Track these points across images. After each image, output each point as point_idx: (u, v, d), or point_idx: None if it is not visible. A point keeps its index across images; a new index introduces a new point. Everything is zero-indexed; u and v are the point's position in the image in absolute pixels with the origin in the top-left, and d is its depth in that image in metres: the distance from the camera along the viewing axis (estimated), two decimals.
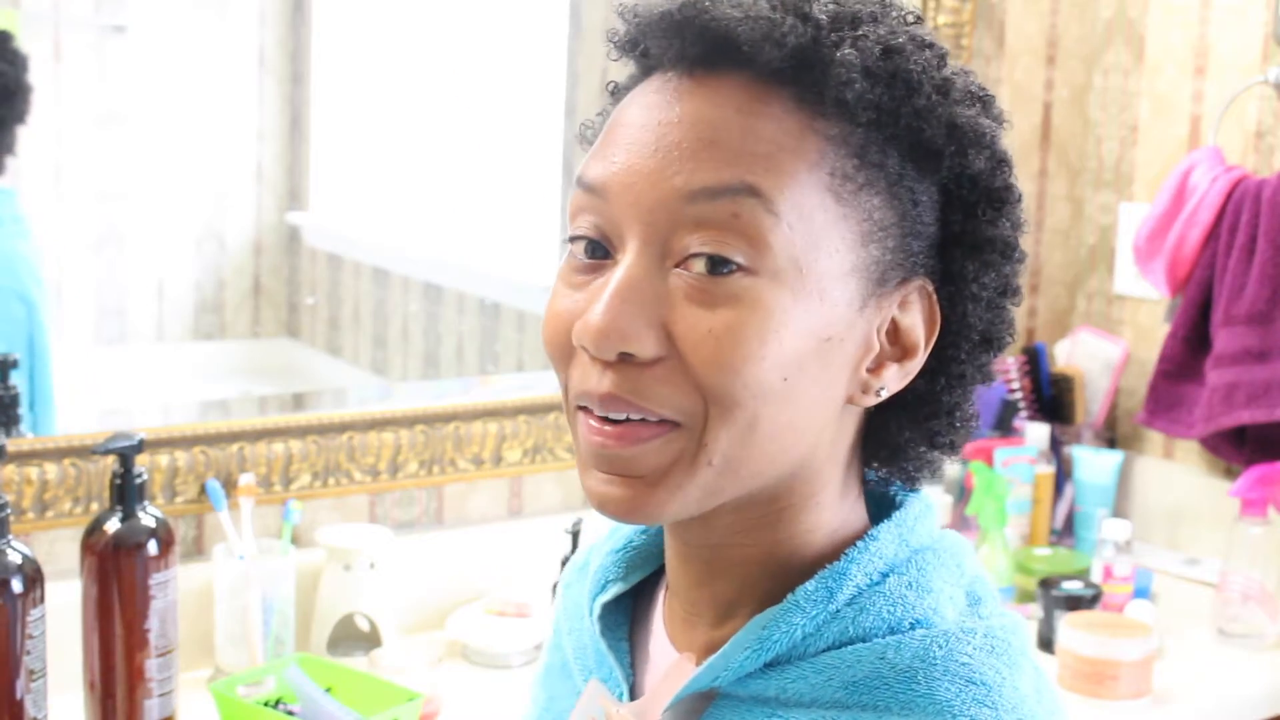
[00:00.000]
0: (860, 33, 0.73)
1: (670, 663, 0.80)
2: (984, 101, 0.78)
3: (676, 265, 0.72)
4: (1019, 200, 0.78)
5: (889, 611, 0.74)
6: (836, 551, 0.77)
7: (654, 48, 0.76)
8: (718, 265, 0.71)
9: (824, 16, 0.74)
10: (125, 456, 1.41)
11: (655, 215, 0.72)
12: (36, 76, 1.74)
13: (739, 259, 0.70)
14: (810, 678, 0.74)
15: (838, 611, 0.74)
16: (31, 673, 1.30)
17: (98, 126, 1.82)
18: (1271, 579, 1.91)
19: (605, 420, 0.72)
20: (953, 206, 0.76)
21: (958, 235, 0.76)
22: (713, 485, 0.73)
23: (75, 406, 1.77)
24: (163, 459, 1.66)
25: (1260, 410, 2.00)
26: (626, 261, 0.72)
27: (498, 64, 2.15)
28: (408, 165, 2.13)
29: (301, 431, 1.76)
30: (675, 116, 0.73)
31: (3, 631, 1.28)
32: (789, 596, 0.75)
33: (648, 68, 0.77)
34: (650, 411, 0.72)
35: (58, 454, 1.61)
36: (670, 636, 0.82)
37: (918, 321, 0.76)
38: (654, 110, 0.74)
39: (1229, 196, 2.07)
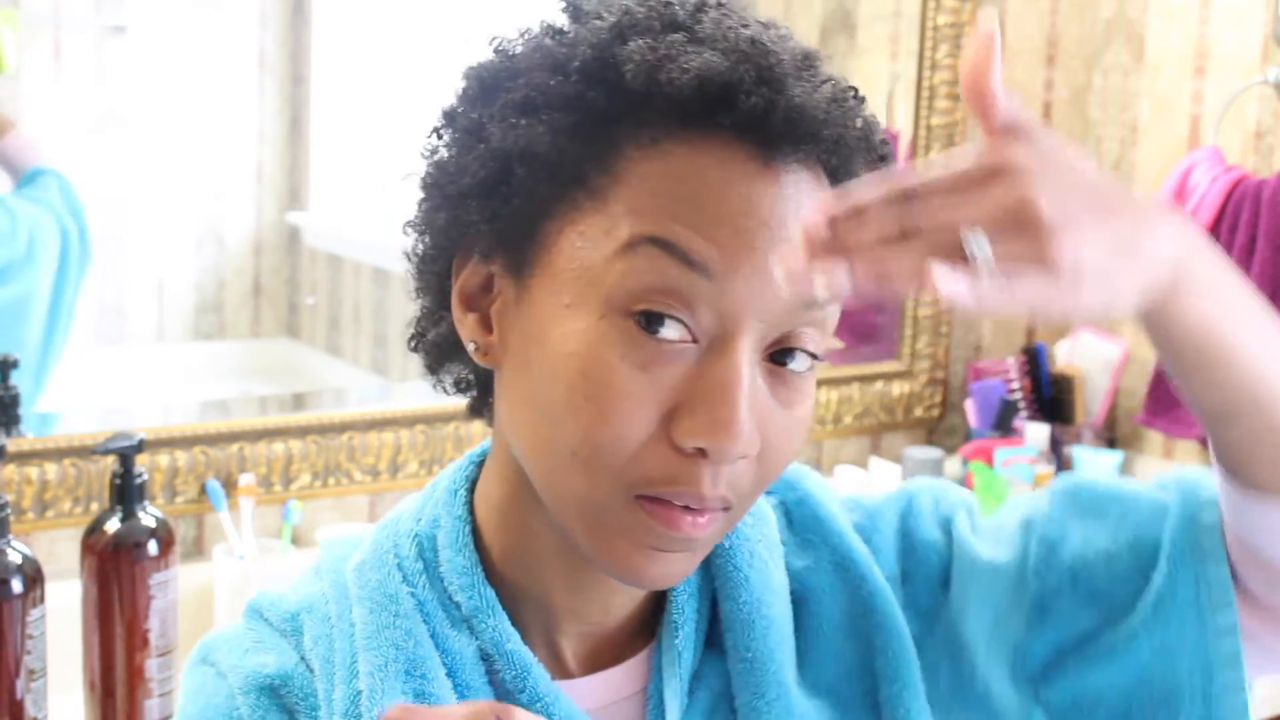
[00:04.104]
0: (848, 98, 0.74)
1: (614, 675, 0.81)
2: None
3: (764, 358, 0.72)
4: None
5: None
6: None
7: (735, 118, 0.69)
8: (808, 361, 0.73)
9: (827, 84, 0.73)
10: (125, 456, 1.41)
11: (774, 315, 0.70)
12: (36, 76, 1.74)
13: (819, 351, 0.73)
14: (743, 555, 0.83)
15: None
16: (31, 673, 1.30)
17: (98, 126, 1.82)
18: None
19: (687, 509, 0.71)
20: None
21: None
22: None
23: (75, 406, 1.77)
24: (163, 459, 1.66)
25: None
26: (740, 360, 0.69)
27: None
28: (408, 165, 2.13)
29: (301, 431, 1.76)
30: (793, 215, 0.70)
31: (3, 631, 1.28)
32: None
33: (694, 123, 0.70)
34: (733, 499, 0.72)
35: (58, 454, 1.61)
36: (575, 661, 0.81)
37: None
38: (768, 199, 0.70)
39: (1229, 196, 2.07)
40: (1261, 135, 2.14)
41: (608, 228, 0.70)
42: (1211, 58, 2.20)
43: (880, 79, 2.30)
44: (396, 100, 2.14)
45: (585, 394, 0.69)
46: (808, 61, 0.73)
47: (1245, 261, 2.04)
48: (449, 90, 0.80)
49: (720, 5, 0.74)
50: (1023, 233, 0.59)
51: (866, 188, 0.61)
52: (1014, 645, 0.82)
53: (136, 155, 1.86)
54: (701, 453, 0.69)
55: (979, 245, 0.60)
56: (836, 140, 0.72)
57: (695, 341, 0.70)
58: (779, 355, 0.72)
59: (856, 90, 0.75)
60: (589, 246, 0.70)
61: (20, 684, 1.30)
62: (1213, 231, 2.08)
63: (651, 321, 0.69)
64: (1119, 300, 0.62)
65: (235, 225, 1.96)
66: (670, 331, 0.69)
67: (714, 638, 0.83)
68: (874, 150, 0.75)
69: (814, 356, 0.73)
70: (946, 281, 0.58)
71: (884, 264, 0.60)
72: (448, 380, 0.84)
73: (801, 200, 0.70)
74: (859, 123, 0.73)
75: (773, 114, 0.69)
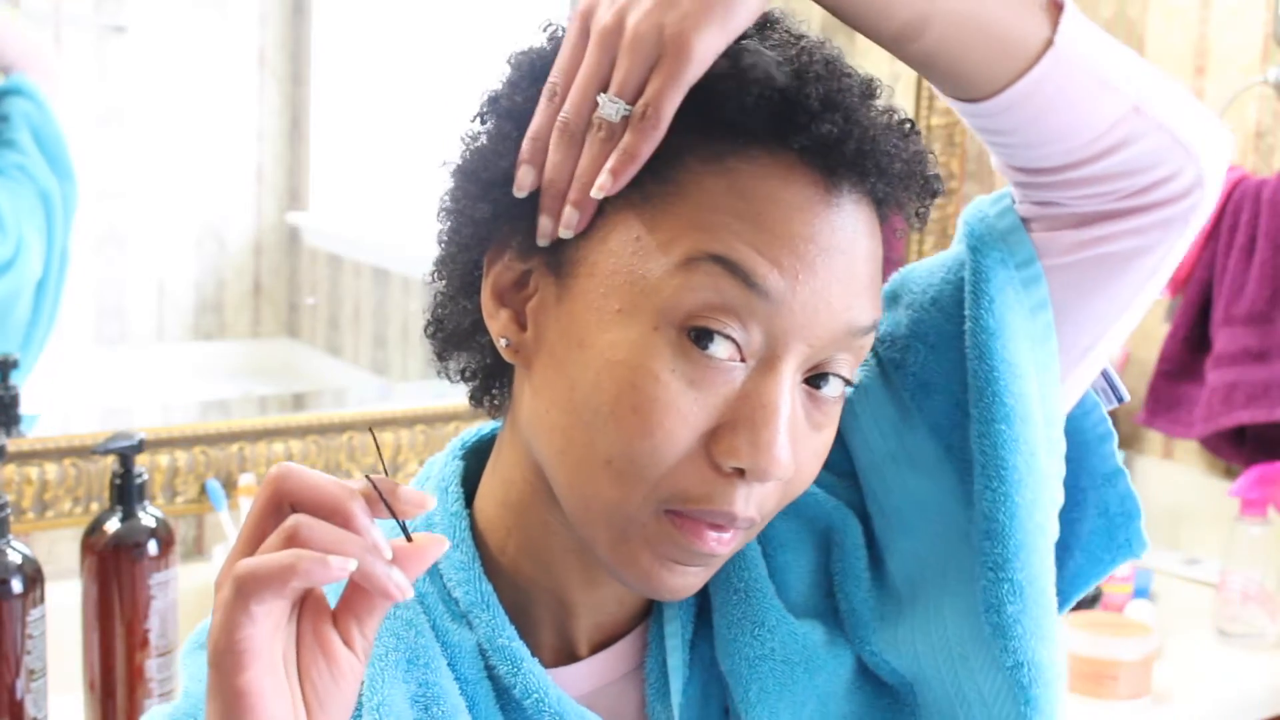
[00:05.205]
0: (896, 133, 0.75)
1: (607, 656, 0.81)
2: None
3: (804, 380, 0.72)
4: None
5: None
6: None
7: (806, 141, 0.69)
8: (841, 386, 0.74)
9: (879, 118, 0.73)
10: (125, 456, 1.41)
11: (823, 342, 0.71)
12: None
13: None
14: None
15: None
16: (31, 673, 1.30)
17: (98, 126, 1.82)
18: (1271, 579, 1.91)
19: (713, 526, 0.71)
20: None
21: None
22: None
23: (75, 406, 1.77)
24: (163, 459, 1.66)
25: (1260, 410, 2.00)
26: (785, 383, 0.70)
27: (498, 63, 2.15)
28: (408, 165, 2.13)
29: (301, 431, 1.76)
30: (849, 242, 0.71)
31: (3, 631, 1.28)
32: None
33: (759, 141, 0.70)
34: (758, 519, 0.73)
35: (58, 454, 1.61)
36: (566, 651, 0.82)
37: None
38: (829, 226, 0.70)
39: (1229, 196, 2.07)
40: (1261, 135, 2.14)
41: (666, 239, 0.69)
42: (1211, 58, 2.20)
43: (880, 79, 2.29)
44: (396, 100, 2.14)
45: (632, 405, 0.69)
46: (869, 89, 0.73)
47: (1245, 261, 2.04)
48: (493, 76, 0.78)
49: (781, 21, 0.74)
50: (623, 57, 0.68)
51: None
52: (927, 429, 0.82)
53: (137, 155, 1.86)
54: (740, 472, 0.70)
55: (608, 107, 0.68)
56: (895, 172, 0.72)
57: (743, 361, 0.70)
58: (814, 379, 0.72)
59: (913, 122, 0.75)
60: (644, 255, 0.69)
61: (20, 684, 1.30)
62: (1212, 231, 2.08)
63: (703, 338, 0.69)
64: (735, 28, 0.67)
65: (235, 225, 1.96)
66: (720, 349, 0.69)
67: (702, 604, 0.83)
68: (927, 185, 0.75)
69: (847, 383, 0.73)
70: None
71: (582, 181, 0.68)
72: (452, 368, 0.83)
73: (856, 228, 0.71)
74: (914, 155, 0.74)
75: (846, 142, 0.69)
